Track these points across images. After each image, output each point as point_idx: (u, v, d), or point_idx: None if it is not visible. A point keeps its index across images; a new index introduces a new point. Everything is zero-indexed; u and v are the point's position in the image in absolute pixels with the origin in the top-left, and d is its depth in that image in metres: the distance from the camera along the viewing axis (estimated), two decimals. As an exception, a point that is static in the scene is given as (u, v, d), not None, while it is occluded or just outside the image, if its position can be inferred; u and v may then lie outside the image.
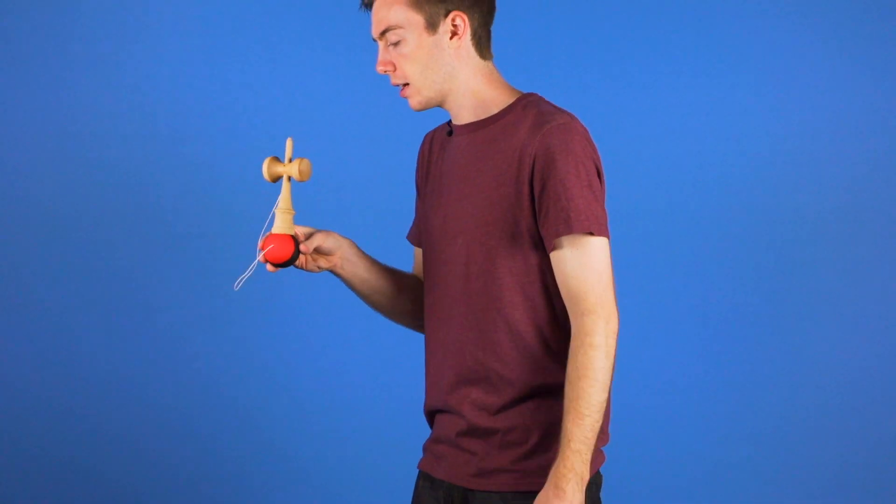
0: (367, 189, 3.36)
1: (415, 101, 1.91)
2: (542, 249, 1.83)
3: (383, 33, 1.89)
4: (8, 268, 3.36)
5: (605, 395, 1.78)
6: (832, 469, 3.35)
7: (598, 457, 1.88)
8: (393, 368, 3.32)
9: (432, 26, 1.87)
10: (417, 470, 2.03)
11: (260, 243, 1.90)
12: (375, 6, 1.90)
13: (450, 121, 1.98)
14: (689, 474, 3.37)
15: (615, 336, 1.79)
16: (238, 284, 1.92)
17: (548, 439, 1.85)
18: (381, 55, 1.90)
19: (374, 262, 2.04)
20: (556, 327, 1.85)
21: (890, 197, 3.33)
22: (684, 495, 3.36)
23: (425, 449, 2.02)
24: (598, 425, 1.77)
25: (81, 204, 3.37)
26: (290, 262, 1.89)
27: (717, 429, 3.39)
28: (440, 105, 1.92)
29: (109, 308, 3.37)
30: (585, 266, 1.78)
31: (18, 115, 3.36)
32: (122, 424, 3.38)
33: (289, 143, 1.92)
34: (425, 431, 2.04)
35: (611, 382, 1.81)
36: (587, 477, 1.77)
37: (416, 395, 2.08)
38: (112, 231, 3.37)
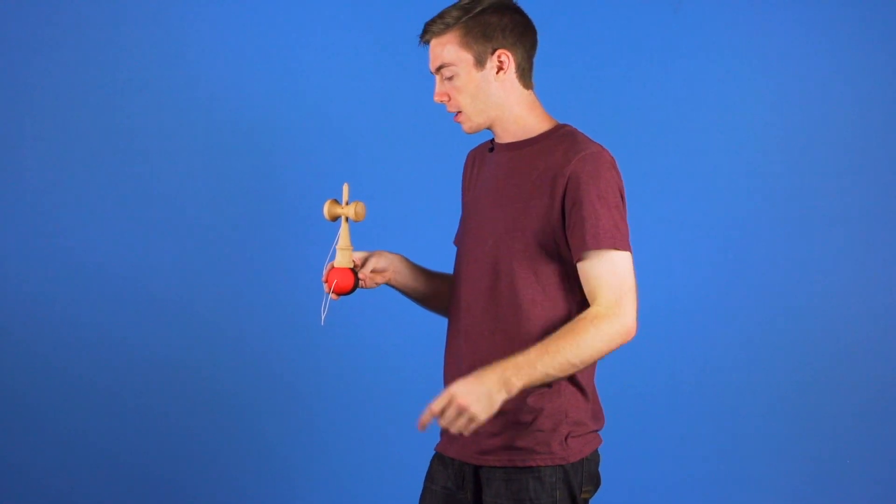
0: (415, 199, 3.58)
1: (466, 126, 2.14)
2: (562, 257, 2.05)
3: (439, 69, 2.11)
4: (47, 267, 3.58)
5: (576, 362, 1.93)
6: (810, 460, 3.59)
7: (591, 439, 2.12)
8: (415, 361, 3.48)
9: (480, 63, 2.09)
10: (434, 452, 2.23)
11: (325, 275, 2.17)
12: (432, 44, 2.12)
13: (492, 139, 2.21)
14: (680, 462, 3.59)
15: (622, 338, 1.96)
16: (323, 320, 2.19)
17: (551, 421, 2.05)
18: (438, 87, 2.13)
19: (423, 271, 2.28)
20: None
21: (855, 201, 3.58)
22: (675, 483, 3.59)
23: (442, 433, 2.20)
24: (551, 372, 1.93)
25: (123, 208, 3.58)
26: (352, 291, 2.17)
27: (712, 424, 3.60)
28: (489, 128, 2.15)
29: (151, 300, 3.58)
30: (608, 273, 1.99)
31: (73, 135, 3.57)
32: (163, 405, 3.59)
33: (345, 188, 2.17)
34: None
35: (587, 363, 1.97)
36: (511, 390, 1.91)
37: (435, 384, 2.26)
38: (153, 233, 3.58)
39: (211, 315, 3.60)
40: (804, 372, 3.60)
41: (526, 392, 2.03)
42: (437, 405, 1.91)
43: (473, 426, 1.91)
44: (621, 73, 3.61)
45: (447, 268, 2.32)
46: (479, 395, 1.90)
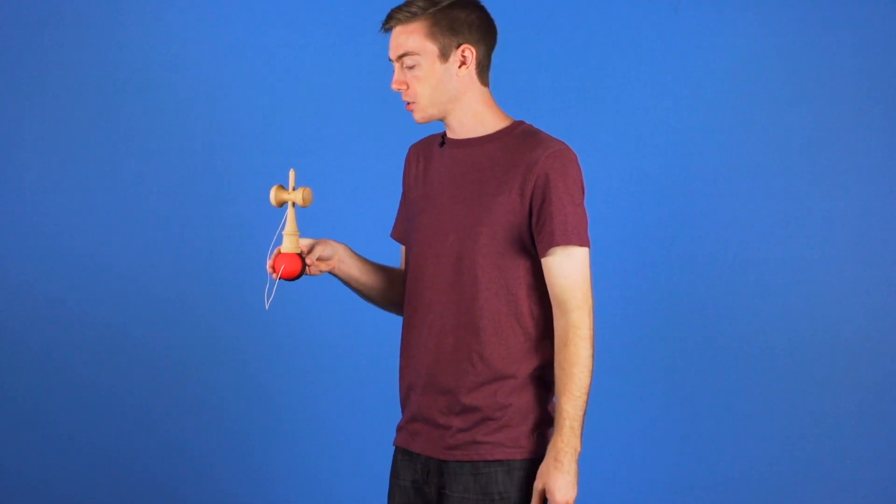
0: (361, 194, 3.65)
1: (419, 115, 2.14)
2: (526, 252, 2.09)
3: (400, 57, 2.11)
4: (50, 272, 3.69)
5: (590, 379, 2.04)
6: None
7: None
8: (378, 363, 3.50)
9: (444, 56, 2.10)
10: (394, 447, 2.25)
11: (270, 261, 2.17)
12: (396, 32, 2.12)
13: (442, 133, 2.21)
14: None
15: (593, 329, 2.06)
16: (268, 304, 2.19)
17: (519, 417, 2.09)
18: (397, 75, 2.13)
19: (366, 262, 2.29)
20: (532, 320, 2.10)
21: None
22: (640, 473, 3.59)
23: (400, 428, 2.23)
24: (586, 404, 2.04)
25: (121, 207, 3.69)
26: (299, 276, 2.17)
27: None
28: (440, 120, 2.16)
29: (147, 303, 3.69)
30: (574, 270, 2.05)
31: (73, 135, 3.68)
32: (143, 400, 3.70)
33: (292, 174, 2.18)
34: (397, 415, 2.26)
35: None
36: (580, 449, 2.04)
37: (389, 385, 2.31)
38: (150, 233, 3.68)
39: (205, 315, 3.68)
40: (802, 371, 3.59)
41: (495, 390, 2.09)
42: None
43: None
44: (621, 73, 3.62)
45: (388, 260, 2.35)
46: (573, 482, 2.04)
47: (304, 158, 3.60)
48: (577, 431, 2.03)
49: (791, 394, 3.58)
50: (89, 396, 3.66)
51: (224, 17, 3.69)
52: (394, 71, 2.14)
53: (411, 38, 2.10)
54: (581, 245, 2.05)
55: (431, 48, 2.10)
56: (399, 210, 2.34)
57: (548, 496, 2.04)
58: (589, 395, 2.04)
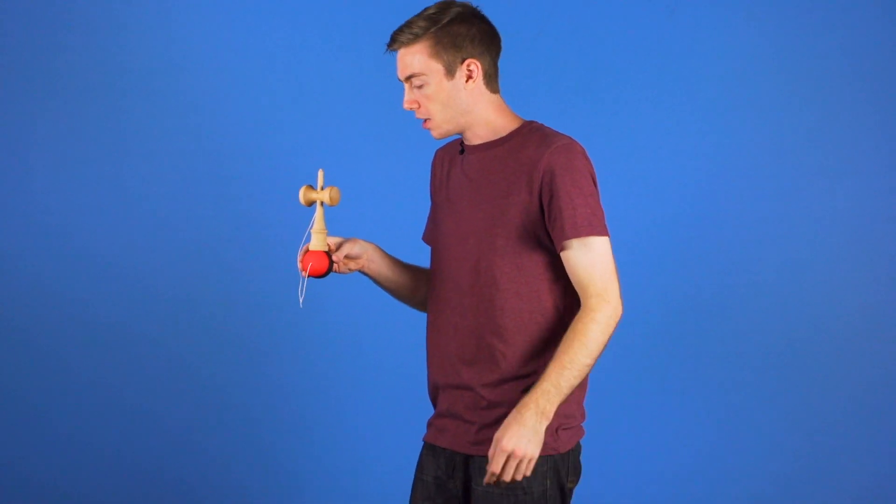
0: (389, 198, 3.68)
1: (436, 133, 2.19)
2: (544, 248, 2.12)
3: (408, 77, 2.15)
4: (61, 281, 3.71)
5: (589, 362, 2.02)
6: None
7: (578, 431, 2.17)
8: (402, 360, 3.55)
9: (450, 73, 2.13)
10: (423, 442, 2.29)
11: (300, 256, 2.23)
12: (400, 53, 2.15)
13: (461, 140, 2.25)
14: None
15: (616, 321, 2.05)
16: (301, 301, 2.25)
17: None
18: (407, 95, 2.17)
19: (396, 261, 2.34)
20: (556, 314, 2.13)
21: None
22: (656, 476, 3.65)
23: (429, 424, 2.27)
24: (574, 382, 2.01)
25: (135, 211, 3.72)
26: (327, 273, 2.23)
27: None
28: (458, 134, 2.20)
29: (153, 302, 3.71)
30: (592, 260, 2.06)
31: (83, 138, 3.71)
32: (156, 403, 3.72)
33: (320, 174, 2.24)
34: (428, 411, 2.31)
35: (597, 358, 2.05)
36: (549, 416, 1.99)
37: (421, 381, 2.35)
38: (155, 233, 3.71)
39: (211, 314, 3.71)
40: (800, 370, 3.64)
41: (519, 386, 2.11)
42: (496, 465, 1.99)
43: (532, 465, 1.99)
44: (619, 74, 3.67)
45: (417, 259, 2.39)
46: (529, 437, 1.98)
47: (304, 159, 3.64)
48: (552, 398, 1.99)
49: (790, 393, 3.63)
50: (97, 395, 3.68)
51: (227, 20, 3.72)
52: (404, 90, 2.19)
53: (416, 58, 2.13)
54: (595, 235, 2.06)
55: (437, 67, 2.13)
56: (430, 213, 2.38)
57: (494, 442, 2.00)
58: (584, 377, 2.02)
